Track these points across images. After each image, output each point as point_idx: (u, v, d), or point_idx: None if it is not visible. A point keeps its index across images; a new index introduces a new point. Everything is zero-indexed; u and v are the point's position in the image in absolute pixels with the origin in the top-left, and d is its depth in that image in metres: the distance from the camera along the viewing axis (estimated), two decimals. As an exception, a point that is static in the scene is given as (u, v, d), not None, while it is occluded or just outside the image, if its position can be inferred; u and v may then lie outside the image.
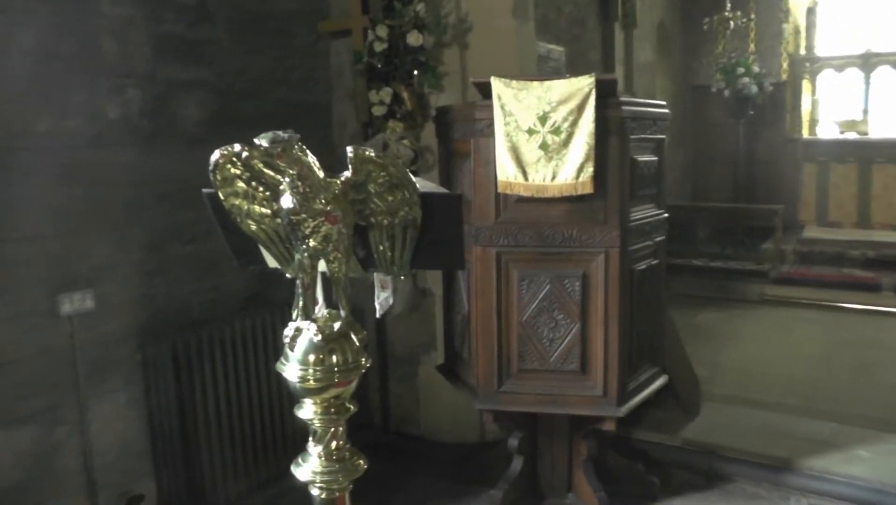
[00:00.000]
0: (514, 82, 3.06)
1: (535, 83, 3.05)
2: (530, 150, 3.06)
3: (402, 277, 1.71)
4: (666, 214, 3.62)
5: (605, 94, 3.08)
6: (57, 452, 3.28)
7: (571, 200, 3.12)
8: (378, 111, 4.10)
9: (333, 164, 1.56)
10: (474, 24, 4.15)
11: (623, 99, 3.25)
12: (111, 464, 3.47)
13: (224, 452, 3.68)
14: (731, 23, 9.63)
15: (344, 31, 4.42)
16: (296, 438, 3.92)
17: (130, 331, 3.53)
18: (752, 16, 9.82)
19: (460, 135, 3.43)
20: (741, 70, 9.64)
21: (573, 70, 6.02)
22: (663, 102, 3.65)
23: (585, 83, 3.01)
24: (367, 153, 1.54)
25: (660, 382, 3.65)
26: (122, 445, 3.53)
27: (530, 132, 3.05)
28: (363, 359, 1.62)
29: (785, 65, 10.17)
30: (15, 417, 3.12)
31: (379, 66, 4.08)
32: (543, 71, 5.41)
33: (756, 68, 9.71)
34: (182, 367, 3.50)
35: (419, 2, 3.98)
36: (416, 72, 4.04)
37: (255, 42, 4.13)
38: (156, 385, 3.55)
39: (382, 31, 4.01)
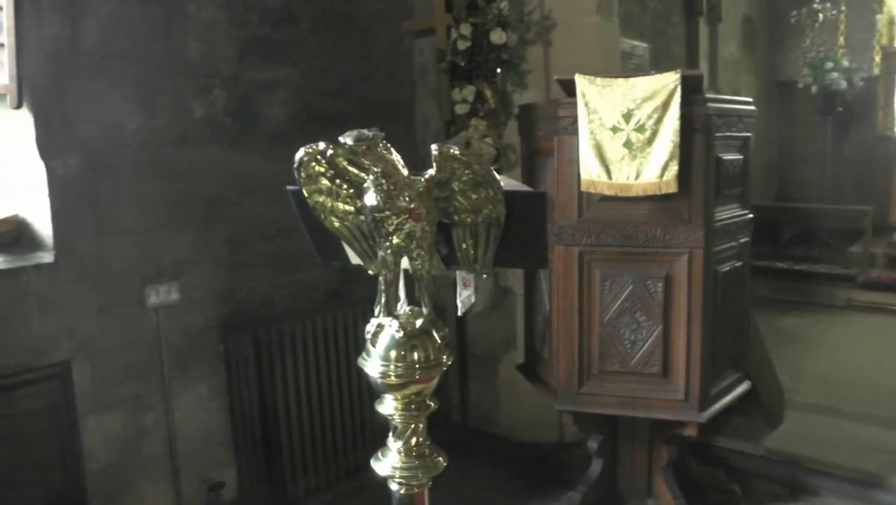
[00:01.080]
0: (598, 79, 3.02)
1: (620, 80, 2.99)
2: (614, 148, 3.01)
3: (485, 276, 1.70)
4: (751, 215, 3.52)
5: (691, 91, 3.00)
6: (144, 437, 3.41)
7: (655, 199, 3.06)
8: (461, 109, 4.11)
9: (416, 161, 1.57)
10: (558, 20, 4.12)
11: (709, 96, 3.17)
12: (194, 451, 3.58)
13: (304, 444, 3.75)
14: (820, 15, 9.29)
15: (427, 30, 4.45)
16: (375, 433, 3.98)
17: (213, 323, 3.63)
18: (843, 7, 9.43)
19: (543, 133, 3.40)
20: (830, 65, 9.28)
21: (657, 66, 5.91)
22: (749, 99, 3.55)
23: (671, 80, 2.94)
24: (451, 151, 1.53)
25: (743, 387, 3.55)
26: (204, 434, 3.63)
27: (614, 130, 3.00)
28: (445, 356, 1.62)
29: (877, 58, 9.71)
30: (107, 403, 3.26)
31: (462, 64, 4.10)
32: (627, 67, 5.33)
33: (846, 63, 9.33)
34: (263, 359, 3.58)
35: (502, -1, 3.98)
36: (499, 70, 4.04)
37: (339, 42, 4.18)
38: (237, 377, 3.64)
39: (466, 29, 4.02)
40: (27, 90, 2.95)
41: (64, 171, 3.08)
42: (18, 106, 2.95)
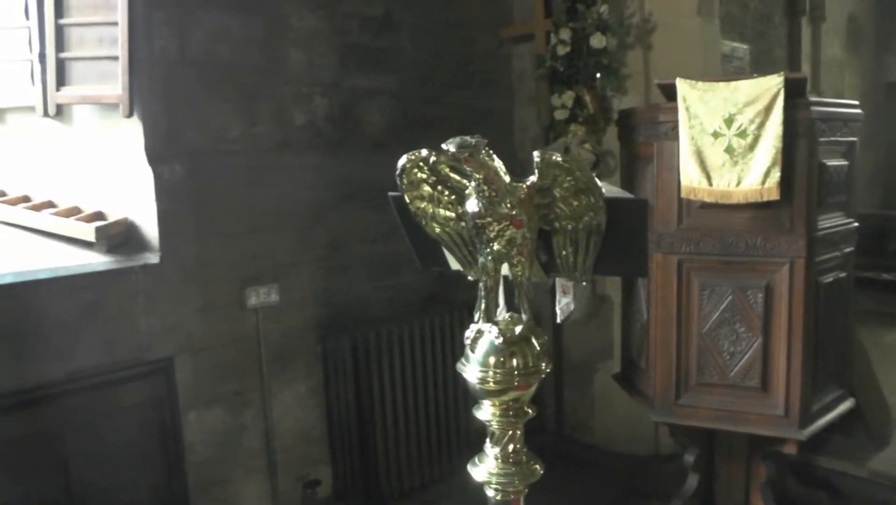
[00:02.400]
0: (699, 83, 2.95)
1: (722, 84, 2.92)
2: (715, 154, 2.93)
3: (584, 283, 1.68)
4: (855, 224, 3.37)
5: (794, 94, 2.90)
6: (242, 433, 3.52)
7: (756, 207, 2.97)
8: (560, 115, 4.09)
9: (514, 167, 1.57)
10: (658, 23, 4.07)
11: (812, 99, 3.06)
12: (290, 448, 3.68)
13: (399, 446, 3.81)
14: (935, 11, 8.83)
15: (526, 36, 4.47)
16: (470, 438, 3.99)
17: (312, 324, 3.72)
18: (962, 3, 8.94)
19: (643, 138, 3.35)
20: (945, 64, 8.80)
21: (758, 69, 5.74)
22: (855, 102, 3.40)
23: (773, 83, 2.85)
24: (554, 157, 1.53)
25: (846, 405, 3.39)
26: (301, 432, 3.72)
27: (715, 135, 2.92)
28: (543, 364, 1.61)
29: None
30: (208, 398, 3.39)
31: (561, 69, 4.09)
32: (727, 71, 5.20)
33: (962, 62, 8.83)
34: (361, 361, 3.65)
35: (602, 3, 3.95)
36: (598, 74, 4.01)
37: (438, 49, 4.23)
38: (335, 377, 3.72)
39: (566, 34, 4.01)
40: (137, 100, 3.09)
41: (170, 176, 3.22)
42: (129, 115, 3.09)
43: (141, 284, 3.17)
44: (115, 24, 3.04)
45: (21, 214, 3.25)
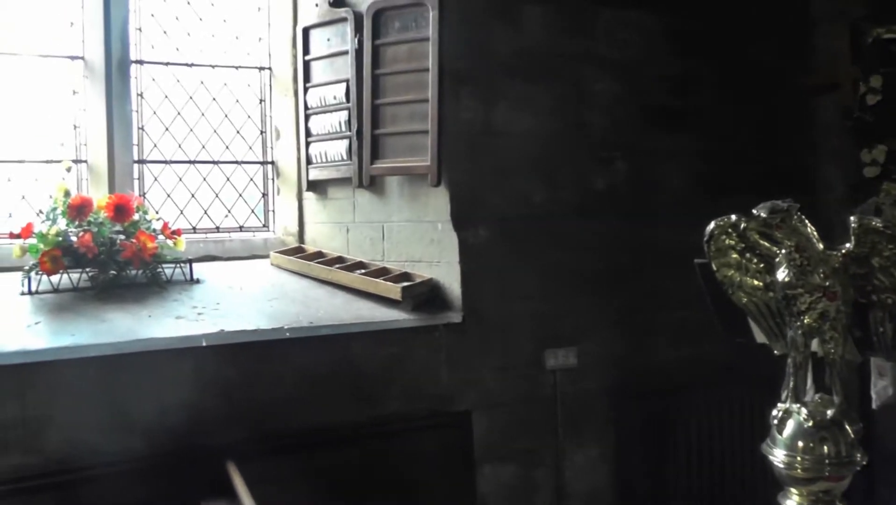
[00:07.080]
0: None
1: None
2: None
3: (903, 364, 1.53)
4: None
5: None
6: (535, 491, 3.55)
7: None
8: (870, 172, 3.75)
9: (820, 232, 1.47)
10: None
11: None
12: (580, 510, 3.64)
13: (691, 520, 3.63)
14: None
15: (831, 86, 4.14)
16: (768, 522, 3.69)
17: (607, 388, 3.68)
18: None
19: (969, 196, 2.95)
20: None
21: None
22: None
23: None
24: (873, 223, 1.42)
25: None
26: (590, 495, 3.67)
27: None
28: (858, 454, 1.47)
29: None
30: (503, 454, 3.46)
31: (871, 120, 3.75)
32: None
33: None
34: (655, 429, 3.58)
35: (920, 43, 3.58)
36: (914, 125, 3.62)
37: (738, 106, 4.06)
38: (628, 443, 3.66)
39: (876, 81, 3.69)
40: (444, 169, 3.31)
41: (474, 240, 3.39)
42: (437, 184, 3.32)
43: (443, 340, 3.35)
44: (426, 101, 3.30)
45: (336, 274, 3.56)
